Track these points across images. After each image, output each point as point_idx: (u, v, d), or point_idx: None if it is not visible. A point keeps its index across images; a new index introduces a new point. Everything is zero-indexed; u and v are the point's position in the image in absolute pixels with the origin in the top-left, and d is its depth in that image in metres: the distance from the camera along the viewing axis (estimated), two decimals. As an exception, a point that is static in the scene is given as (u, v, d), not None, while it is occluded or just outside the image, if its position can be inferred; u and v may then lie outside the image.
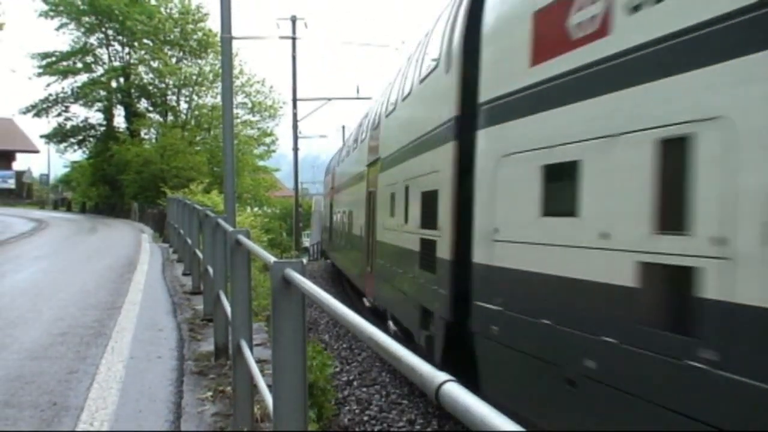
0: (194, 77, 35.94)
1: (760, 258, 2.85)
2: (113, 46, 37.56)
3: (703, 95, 3.22)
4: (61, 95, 37.57)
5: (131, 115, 36.86)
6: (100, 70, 37.42)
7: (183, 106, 37.52)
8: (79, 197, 44.29)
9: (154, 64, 35.94)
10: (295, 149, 32.23)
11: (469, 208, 5.68)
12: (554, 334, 4.32)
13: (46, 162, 56.69)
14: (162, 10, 35.67)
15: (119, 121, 38.79)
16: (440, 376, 1.03)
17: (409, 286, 8.21)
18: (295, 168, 33.46)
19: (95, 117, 39.06)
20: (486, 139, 5.50)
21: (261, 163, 39.79)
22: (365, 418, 7.69)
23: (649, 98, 3.55)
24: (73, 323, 6.86)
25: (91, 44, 37.36)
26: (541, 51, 4.67)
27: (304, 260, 24.67)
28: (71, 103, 38.00)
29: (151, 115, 37.97)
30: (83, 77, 37.43)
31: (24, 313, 7.40)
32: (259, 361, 3.66)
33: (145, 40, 35.42)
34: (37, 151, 52.06)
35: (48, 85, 37.11)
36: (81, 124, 39.02)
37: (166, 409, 4.24)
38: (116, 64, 36.98)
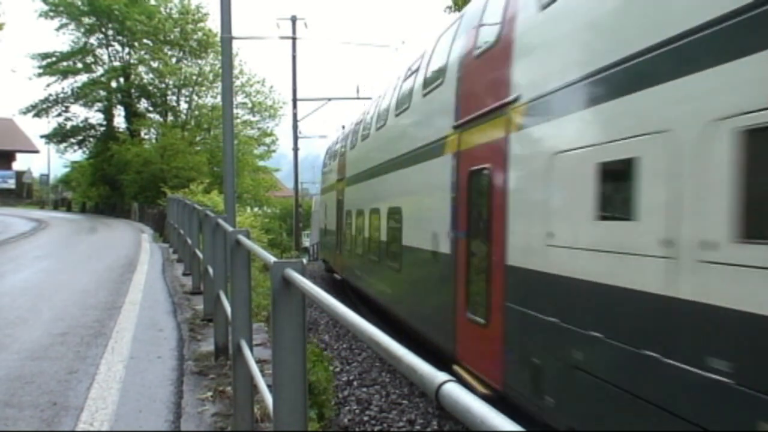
0: (194, 77, 35.93)
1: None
2: (113, 46, 37.58)
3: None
4: (61, 95, 37.56)
5: (131, 115, 36.84)
6: (100, 70, 37.45)
7: (183, 106, 37.57)
8: (79, 197, 44.24)
9: (154, 64, 35.93)
10: (295, 149, 32.22)
11: None
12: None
13: (46, 162, 56.68)
14: (162, 10, 35.64)
15: (119, 121, 38.86)
16: (440, 376, 1.02)
17: None
18: (295, 168, 33.45)
19: (95, 117, 39.12)
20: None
21: (261, 163, 39.75)
22: (365, 418, 7.69)
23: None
24: (73, 323, 6.86)
25: (91, 44, 37.34)
26: None
27: (304, 260, 24.61)
28: (71, 103, 38.00)
29: (151, 115, 37.96)
30: (83, 77, 37.46)
31: (24, 313, 7.40)
32: (259, 361, 3.66)
33: (145, 40, 35.39)
34: (37, 151, 52.08)
35: (48, 85, 37.14)
36: (81, 124, 39.01)
37: (166, 409, 4.24)
38: (116, 64, 36.96)
